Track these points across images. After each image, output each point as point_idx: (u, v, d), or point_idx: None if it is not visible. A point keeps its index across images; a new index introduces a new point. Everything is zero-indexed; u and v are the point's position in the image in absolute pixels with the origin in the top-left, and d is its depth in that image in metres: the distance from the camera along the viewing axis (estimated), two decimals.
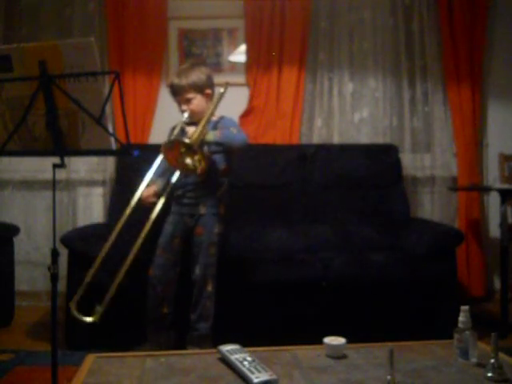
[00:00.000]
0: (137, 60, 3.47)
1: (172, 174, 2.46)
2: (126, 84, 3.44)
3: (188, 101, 2.41)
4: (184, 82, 2.39)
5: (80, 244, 2.62)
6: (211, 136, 2.31)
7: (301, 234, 3.11)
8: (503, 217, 2.87)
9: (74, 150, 1.62)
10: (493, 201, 3.54)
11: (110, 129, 1.56)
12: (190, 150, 2.20)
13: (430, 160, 3.58)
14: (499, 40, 3.59)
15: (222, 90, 2.46)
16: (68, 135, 1.56)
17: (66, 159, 1.61)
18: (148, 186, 2.45)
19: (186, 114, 2.40)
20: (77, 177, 3.47)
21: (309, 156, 3.33)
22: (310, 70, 3.57)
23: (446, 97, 3.56)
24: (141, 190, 2.43)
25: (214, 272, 2.44)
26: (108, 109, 1.58)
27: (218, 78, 3.56)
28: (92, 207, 3.47)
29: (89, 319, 2.24)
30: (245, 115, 3.55)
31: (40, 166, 3.34)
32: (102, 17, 3.51)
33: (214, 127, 2.46)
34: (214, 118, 2.51)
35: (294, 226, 3.14)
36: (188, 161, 2.23)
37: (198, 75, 2.42)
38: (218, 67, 3.61)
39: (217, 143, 2.34)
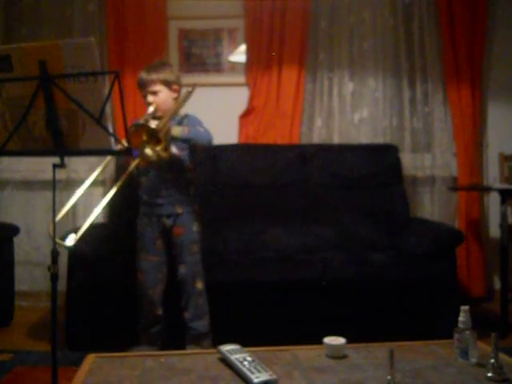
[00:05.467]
0: (137, 60, 3.47)
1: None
2: (125, 84, 3.44)
3: (155, 93, 2.40)
4: (154, 76, 2.40)
5: (80, 244, 2.62)
6: (178, 131, 2.30)
7: (301, 233, 3.11)
8: (503, 217, 2.86)
9: (74, 150, 1.62)
10: (493, 201, 3.53)
11: (110, 129, 1.56)
12: (153, 137, 2.18)
13: (430, 160, 3.58)
14: (499, 40, 3.59)
15: (189, 88, 2.46)
16: (68, 135, 1.56)
17: (66, 159, 1.60)
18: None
19: (151, 108, 2.39)
20: (77, 177, 3.47)
21: (309, 156, 3.33)
22: (310, 70, 3.57)
23: (446, 97, 3.56)
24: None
25: (201, 269, 2.44)
26: (108, 109, 1.58)
27: (217, 78, 3.62)
28: (92, 207, 3.46)
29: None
30: (245, 115, 3.56)
31: (40, 166, 3.34)
32: (102, 17, 3.52)
33: (179, 124, 2.44)
34: (178, 117, 2.49)
35: (294, 226, 3.14)
36: (148, 151, 2.21)
37: (167, 71, 2.44)
38: (218, 67, 3.61)
39: (184, 139, 2.34)
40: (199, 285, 2.42)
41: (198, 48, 3.61)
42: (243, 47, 3.55)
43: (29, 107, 1.52)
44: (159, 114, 2.38)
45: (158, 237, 2.44)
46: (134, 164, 2.34)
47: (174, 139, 2.31)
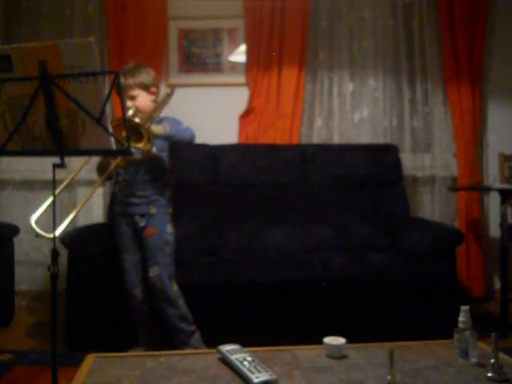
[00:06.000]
0: (137, 60, 3.46)
1: None
2: None
3: (133, 98, 2.41)
4: (131, 80, 2.40)
5: (80, 244, 2.63)
6: (160, 129, 2.31)
7: (301, 233, 3.11)
8: (503, 217, 2.87)
9: (74, 150, 1.62)
10: (493, 201, 3.53)
11: (110, 129, 1.56)
12: (135, 133, 2.18)
13: (430, 160, 3.58)
14: (499, 40, 3.59)
15: (169, 91, 2.46)
16: (68, 135, 1.56)
17: (66, 159, 1.61)
18: None
19: (130, 111, 2.39)
20: (77, 177, 3.46)
21: (309, 156, 3.33)
22: (310, 70, 3.57)
23: (446, 97, 3.56)
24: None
25: (174, 271, 2.43)
26: (108, 109, 1.58)
27: (218, 78, 3.62)
28: (92, 207, 3.47)
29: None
30: (245, 115, 3.55)
31: (40, 166, 3.35)
32: (102, 17, 3.52)
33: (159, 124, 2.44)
34: (157, 119, 2.48)
35: (294, 226, 3.14)
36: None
37: (144, 75, 2.44)
38: (218, 67, 3.61)
39: (167, 137, 2.34)
40: (175, 286, 2.41)
41: (197, 48, 3.61)
42: (243, 47, 3.55)
43: (29, 107, 1.52)
44: (139, 116, 2.39)
45: (133, 236, 2.45)
46: (114, 163, 2.34)
47: (156, 137, 2.31)
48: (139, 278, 2.44)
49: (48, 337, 1.60)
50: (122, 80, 2.41)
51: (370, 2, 3.56)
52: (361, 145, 3.50)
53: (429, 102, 3.59)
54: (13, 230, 3.10)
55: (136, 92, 2.41)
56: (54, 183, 1.65)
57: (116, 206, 2.51)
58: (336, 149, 3.40)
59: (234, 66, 3.63)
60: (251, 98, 3.55)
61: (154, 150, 2.36)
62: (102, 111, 1.50)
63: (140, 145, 2.20)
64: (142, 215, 2.42)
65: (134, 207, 2.42)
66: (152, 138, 2.24)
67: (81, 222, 3.38)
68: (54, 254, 1.61)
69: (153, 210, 2.42)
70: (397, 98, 3.60)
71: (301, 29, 3.49)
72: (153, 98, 2.46)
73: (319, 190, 3.28)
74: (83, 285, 2.59)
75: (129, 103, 2.40)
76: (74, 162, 3.42)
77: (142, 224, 2.41)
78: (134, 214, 2.42)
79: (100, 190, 3.46)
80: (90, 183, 3.48)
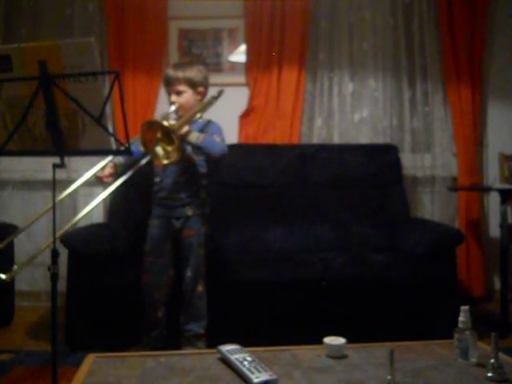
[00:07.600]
0: (137, 60, 3.47)
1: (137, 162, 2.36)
2: (125, 84, 3.44)
3: (179, 93, 2.38)
4: (180, 74, 2.36)
5: (80, 244, 2.62)
6: (194, 137, 2.27)
7: (301, 234, 3.12)
8: (503, 217, 2.87)
9: (74, 150, 1.62)
10: (493, 201, 3.53)
11: (110, 129, 1.56)
12: (167, 137, 2.15)
13: (430, 160, 3.58)
14: (499, 40, 3.59)
15: (216, 94, 2.43)
16: (68, 135, 1.56)
17: (66, 159, 1.60)
18: (107, 164, 2.33)
19: (173, 107, 2.36)
20: (77, 177, 3.42)
21: (309, 156, 3.33)
22: (310, 70, 3.57)
23: (446, 97, 3.56)
24: (98, 167, 2.30)
25: (204, 272, 2.43)
26: (108, 109, 1.58)
27: (217, 78, 3.61)
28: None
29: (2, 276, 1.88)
30: (245, 115, 3.55)
31: (40, 166, 3.34)
32: (102, 17, 3.52)
33: (201, 130, 2.41)
34: (201, 121, 2.47)
35: (294, 226, 3.14)
36: (159, 149, 2.18)
37: (195, 72, 2.41)
38: (218, 67, 3.61)
39: (197, 147, 2.31)
40: (200, 287, 2.41)
41: (197, 48, 3.61)
42: (243, 47, 3.55)
43: (29, 107, 1.52)
44: (180, 114, 2.36)
45: (167, 239, 2.43)
46: (138, 163, 2.32)
47: (188, 143, 2.29)
48: (163, 281, 2.42)
49: (48, 337, 1.60)
50: (172, 72, 2.38)
51: (370, 1, 3.55)
52: (361, 145, 3.50)
53: (429, 102, 3.59)
54: (13, 230, 3.09)
55: (182, 87, 2.37)
56: (53, 183, 1.65)
57: (153, 208, 2.48)
58: (336, 149, 3.40)
59: (234, 66, 3.63)
60: (251, 98, 3.55)
61: (190, 151, 2.34)
62: (102, 111, 1.51)
63: (169, 148, 2.17)
64: (178, 218, 2.41)
65: (171, 210, 2.41)
66: (183, 145, 2.19)
67: (81, 222, 3.37)
68: (54, 254, 1.61)
69: (189, 212, 2.41)
70: (397, 98, 3.59)
71: (301, 29, 3.49)
72: (198, 98, 2.42)
73: (319, 189, 3.28)
74: (83, 285, 2.59)
75: (173, 97, 2.37)
76: (74, 162, 3.44)
77: (178, 226, 2.40)
78: (169, 217, 2.41)
79: (100, 191, 3.45)
80: (90, 183, 3.48)
